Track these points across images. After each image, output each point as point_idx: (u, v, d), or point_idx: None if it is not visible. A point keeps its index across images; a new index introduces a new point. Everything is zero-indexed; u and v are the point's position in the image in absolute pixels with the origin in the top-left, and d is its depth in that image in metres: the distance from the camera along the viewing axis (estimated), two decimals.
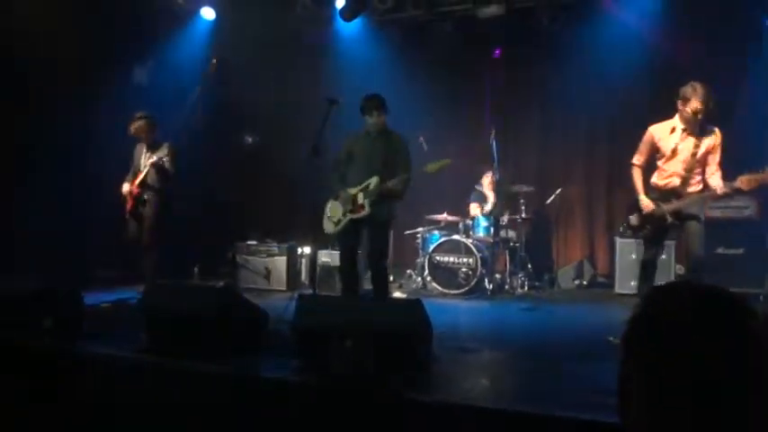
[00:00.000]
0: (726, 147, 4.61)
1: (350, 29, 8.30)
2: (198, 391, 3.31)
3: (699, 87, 4.41)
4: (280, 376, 3.21)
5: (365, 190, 4.86)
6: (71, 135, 6.65)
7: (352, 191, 4.93)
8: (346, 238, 5.00)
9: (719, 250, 6.64)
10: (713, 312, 0.93)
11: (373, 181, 4.82)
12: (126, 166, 6.33)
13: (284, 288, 7.01)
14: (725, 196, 4.60)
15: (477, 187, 7.81)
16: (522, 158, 8.38)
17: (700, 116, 4.44)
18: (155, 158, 5.99)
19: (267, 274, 7.15)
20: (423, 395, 2.92)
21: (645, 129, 4.89)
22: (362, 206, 4.83)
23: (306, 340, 3.39)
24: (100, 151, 6.69)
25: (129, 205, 6.16)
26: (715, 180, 4.54)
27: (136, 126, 6.13)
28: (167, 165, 6.00)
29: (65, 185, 6.44)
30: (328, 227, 5.06)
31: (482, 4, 7.49)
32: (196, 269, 7.45)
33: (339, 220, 4.96)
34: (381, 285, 4.99)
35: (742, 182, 4.29)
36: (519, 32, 7.83)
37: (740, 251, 6.57)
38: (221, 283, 6.86)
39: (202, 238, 7.39)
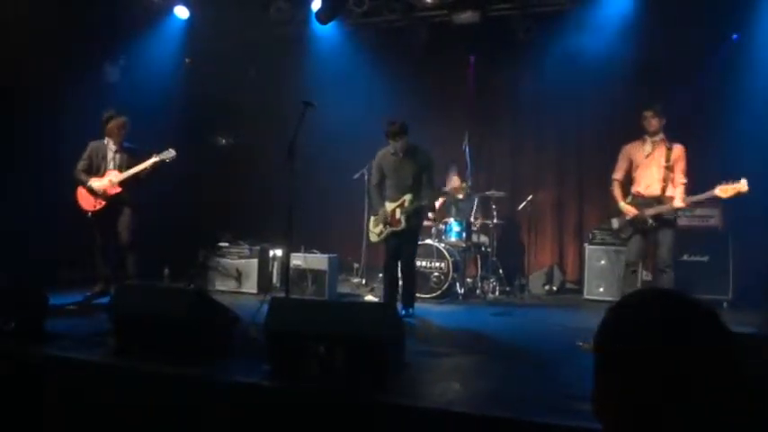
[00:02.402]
0: (704, 155, 5.02)
1: (325, 31, 8.30)
2: (167, 395, 3.27)
3: (653, 105, 5.23)
4: (250, 380, 3.19)
5: (401, 207, 5.61)
6: (41, 133, 6.52)
7: (389, 207, 5.66)
8: (389, 245, 5.75)
9: (685, 257, 6.78)
10: (680, 315, 0.97)
11: (407, 198, 5.58)
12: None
13: (255, 291, 6.94)
14: (690, 206, 5.24)
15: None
16: (494, 164, 8.46)
17: (651, 123, 5.17)
18: (157, 159, 5.88)
19: (238, 277, 7.08)
20: (394, 399, 2.93)
21: (615, 138, 5.51)
22: (399, 221, 5.60)
23: (277, 344, 3.37)
24: (69, 149, 6.54)
25: (99, 204, 5.89)
26: (676, 192, 5.11)
27: (116, 123, 5.92)
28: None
29: (33, 184, 6.30)
30: (372, 237, 5.91)
31: (457, 11, 7.55)
32: (166, 270, 7.36)
33: (381, 232, 5.75)
34: (411, 285, 5.73)
35: (720, 191, 4.80)
36: (493, 40, 7.92)
37: (705, 258, 6.72)
38: (192, 285, 6.77)
39: (173, 240, 7.28)
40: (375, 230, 5.83)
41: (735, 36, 7.00)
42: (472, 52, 8.38)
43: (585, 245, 7.29)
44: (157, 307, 3.76)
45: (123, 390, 3.35)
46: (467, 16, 7.46)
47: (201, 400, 3.19)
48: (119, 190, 5.90)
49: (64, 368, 3.55)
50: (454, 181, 7.65)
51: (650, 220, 5.16)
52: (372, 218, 5.92)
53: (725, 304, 6.48)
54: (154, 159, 5.91)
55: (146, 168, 5.92)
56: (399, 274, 5.76)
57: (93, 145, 6.02)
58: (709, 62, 6.96)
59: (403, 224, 5.58)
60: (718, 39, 7.02)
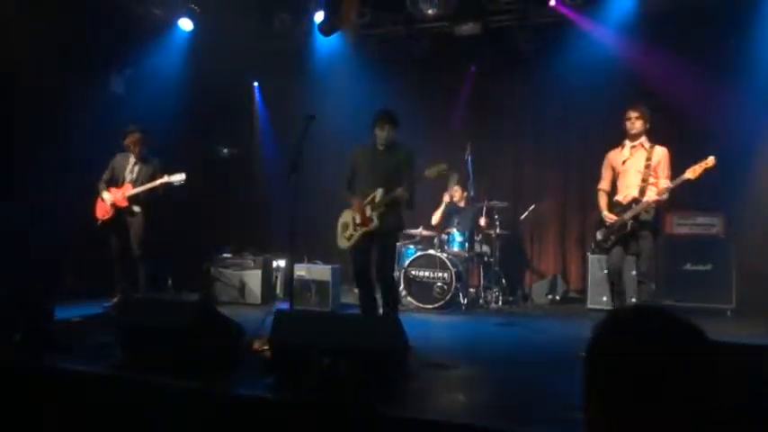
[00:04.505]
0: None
1: (328, 43, 8.35)
2: (171, 408, 3.28)
3: (635, 103, 5.15)
4: (254, 393, 3.20)
5: (371, 203, 4.88)
6: (46, 144, 6.56)
7: (362, 206, 4.95)
8: (360, 256, 5.00)
9: (688, 266, 6.80)
10: (667, 332, 1.02)
11: (378, 193, 4.86)
12: (97, 173, 6.27)
13: (259, 302, 6.97)
14: (664, 196, 4.94)
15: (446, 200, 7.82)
16: (496, 174, 8.49)
17: (635, 124, 5.05)
18: (166, 180, 6.04)
19: (241, 288, 7.10)
20: (398, 411, 2.94)
21: (617, 147, 5.20)
22: (370, 219, 4.86)
23: (282, 356, 3.39)
24: (75, 161, 6.61)
25: (108, 215, 6.10)
26: (660, 184, 4.99)
27: (131, 139, 6.14)
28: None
29: (40, 195, 6.35)
30: (342, 243, 5.11)
31: (459, 23, 7.60)
32: (170, 281, 7.39)
33: (351, 235, 4.99)
34: (391, 297, 5.02)
35: (690, 172, 4.73)
36: (495, 50, 7.97)
37: (708, 267, 6.72)
38: (196, 296, 6.80)
39: (176, 251, 7.32)
40: (345, 234, 5.08)
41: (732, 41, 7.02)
42: (474, 63, 8.43)
43: (588, 254, 7.29)
44: (162, 319, 3.79)
45: (127, 402, 3.37)
46: (468, 28, 7.51)
47: (206, 413, 3.21)
48: (125, 204, 6.08)
49: (69, 380, 3.57)
50: (456, 191, 7.68)
51: (630, 223, 4.99)
52: (343, 213, 5.16)
53: (728, 313, 6.48)
54: (162, 180, 6.07)
55: (155, 187, 6.08)
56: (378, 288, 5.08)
57: (117, 157, 6.28)
58: (707, 68, 6.97)
59: (375, 222, 4.84)
60: (718, 44, 7.03)
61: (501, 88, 8.36)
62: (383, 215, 4.86)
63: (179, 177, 6.06)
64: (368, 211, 4.88)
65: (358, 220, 4.94)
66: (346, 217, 5.09)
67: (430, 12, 7.27)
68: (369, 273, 5.03)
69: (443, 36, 7.96)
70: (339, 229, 5.14)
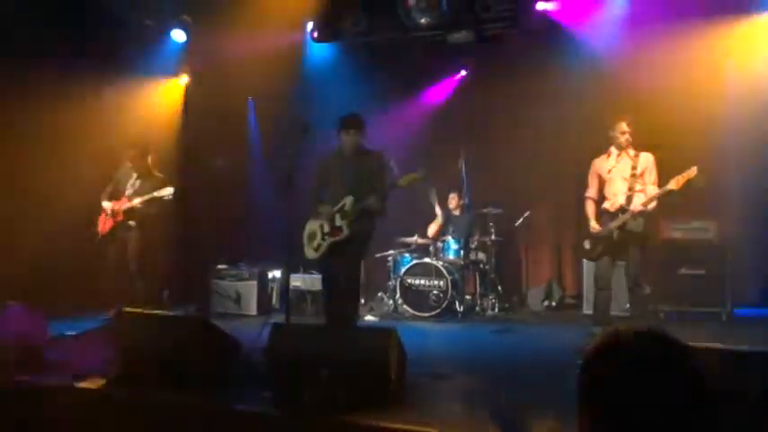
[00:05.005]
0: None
1: (322, 50, 8.37)
2: (167, 424, 3.27)
3: (625, 115, 5.22)
4: (252, 408, 3.19)
5: (341, 211, 4.72)
6: (37, 156, 6.53)
7: (330, 214, 4.81)
8: (327, 267, 4.91)
9: (682, 270, 6.81)
10: (656, 353, 1.05)
11: (348, 201, 4.70)
12: (93, 186, 6.33)
13: (255, 313, 6.95)
14: (650, 206, 5.01)
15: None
16: (490, 181, 8.49)
17: (627, 137, 5.09)
18: (154, 195, 6.10)
19: (237, 299, 7.09)
20: (396, 424, 2.93)
21: (604, 153, 5.26)
22: (340, 229, 4.70)
23: (279, 370, 3.38)
24: (68, 171, 6.59)
25: (106, 226, 6.19)
26: (648, 191, 5.03)
27: (129, 153, 6.27)
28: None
29: (34, 206, 6.34)
30: (309, 253, 4.95)
31: (452, 30, 7.62)
32: (166, 294, 7.35)
33: (319, 245, 4.83)
34: (352, 306, 4.88)
35: (673, 182, 4.79)
36: (488, 57, 8.00)
37: (702, 272, 6.73)
38: (192, 309, 6.78)
39: (172, 263, 7.30)
40: (312, 244, 4.87)
41: None
42: (467, 69, 8.47)
43: (583, 260, 7.30)
44: (158, 334, 3.77)
45: (123, 418, 3.35)
46: (461, 36, 7.52)
47: (203, 428, 3.20)
48: (121, 218, 6.16)
49: (63, 397, 3.55)
50: (452, 199, 7.69)
51: (615, 232, 5.03)
52: (309, 223, 4.94)
53: (723, 317, 6.50)
54: (149, 196, 6.13)
55: (147, 202, 6.13)
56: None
57: (121, 170, 6.40)
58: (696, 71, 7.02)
59: (345, 231, 4.65)
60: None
61: (495, 94, 8.36)
62: (352, 224, 4.68)
63: (167, 191, 6.13)
64: (337, 221, 4.71)
65: (326, 230, 4.78)
66: (313, 226, 4.91)
67: (423, 21, 7.28)
68: (338, 283, 4.86)
69: (436, 43, 7.98)
70: (305, 239, 4.94)
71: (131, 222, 6.16)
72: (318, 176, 4.98)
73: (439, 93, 8.70)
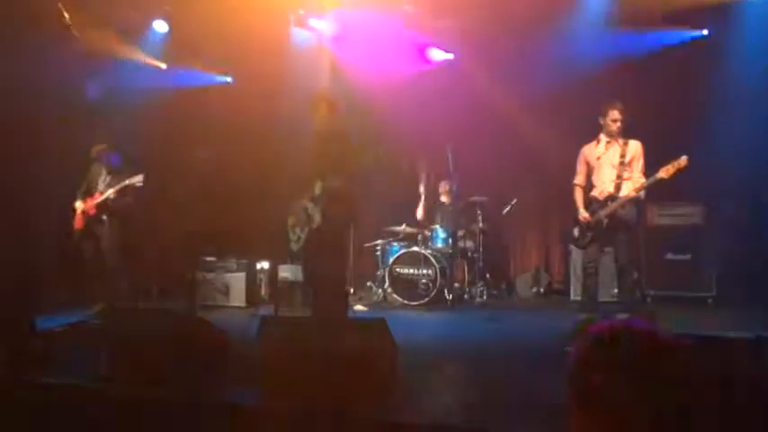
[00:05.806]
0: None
1: (307, 38, 8.29)
2: (155, 418, 3.25)
3: (617, 102, 5.12)
4: (241, 401, 3.18)
5: (313, 198, 4.61)
6: (20, 150, 6.45)
7: (302, 202, 4.69)
8: (308, 257, 4.83)
9: (669, 256, 6.88)
10: (648, 351, 1.05)
11: (317, 187, 4.55)
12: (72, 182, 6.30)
13: (243, 304, 6.92)
14: (640, 194, 5.03)
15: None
16: (477, 169, 8.48)
17: (619, 125, 5.06)
18: (126, 183, 6.04)
19: (226, 291, 7.05)
20: (389, 416, 2.94)
21: (593, 140, 5.23)
22: (312, 217, 4.58)
23: (268, 364, 3.37)
24: (51, 168, 6.53)
25: (79, 223, 6.21)
26: (635, 179, 5.03)
27: (95, 150, 6.24)
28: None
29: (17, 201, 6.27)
30: (292, 245, 4.92)
31: (438, 18, 7.59)
32: (154, 289, 7.29)
33: (299, 237, 4.78)
34: (337, 300, 4.76)
35: (663, 171, 4.79)
36: (475, 45, 7.96)
37: (688, 257, 6.80)
38: (181, 304, 6.73)
39: (159, 257, 7.24)
40: (293, 237, 4.83)
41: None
42: (454, 57, 8.44)
43: (571, 246, 7.33)
44: (145, 329, 3.73)
45: (112, 414, 3.32)
46: (447, 23, 7.49)
47: (191, 423, 3.18)
48: (93, 212, 6.15)
49: (51, 393, 3.51)
50: (442, 187, 7.70)
51: (605, 220, 5.06)
52: (288, 223, 4.88)
53: (709, 301, 6.57)
54: (120, 185, 6.08)
55: (120, 194, 6.09)
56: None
57: (92, 168, 6.37)
58: (685, 65, 7.04)
59: (316, 219, 4.49)
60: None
61: (480, 81, 8.34)
62: (323, 211, 4.50)
63: (137, 178, 6.07)
64: (310, 208, 4.56)
65: (303, 219, 4.66)
66: (293, 219, 4.84)
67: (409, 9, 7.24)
68: (321, 275, 4.71)
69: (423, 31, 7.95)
70: (289, 233, 4.86)
71: (104, 217, 6.15)
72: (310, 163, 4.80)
73: (425, 80, 8.66)
